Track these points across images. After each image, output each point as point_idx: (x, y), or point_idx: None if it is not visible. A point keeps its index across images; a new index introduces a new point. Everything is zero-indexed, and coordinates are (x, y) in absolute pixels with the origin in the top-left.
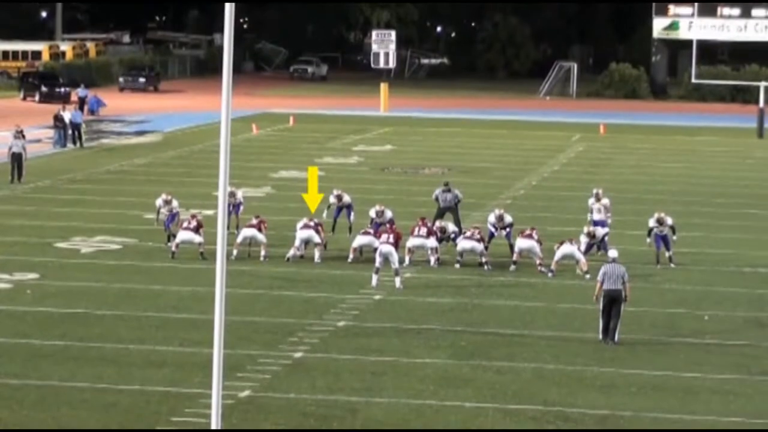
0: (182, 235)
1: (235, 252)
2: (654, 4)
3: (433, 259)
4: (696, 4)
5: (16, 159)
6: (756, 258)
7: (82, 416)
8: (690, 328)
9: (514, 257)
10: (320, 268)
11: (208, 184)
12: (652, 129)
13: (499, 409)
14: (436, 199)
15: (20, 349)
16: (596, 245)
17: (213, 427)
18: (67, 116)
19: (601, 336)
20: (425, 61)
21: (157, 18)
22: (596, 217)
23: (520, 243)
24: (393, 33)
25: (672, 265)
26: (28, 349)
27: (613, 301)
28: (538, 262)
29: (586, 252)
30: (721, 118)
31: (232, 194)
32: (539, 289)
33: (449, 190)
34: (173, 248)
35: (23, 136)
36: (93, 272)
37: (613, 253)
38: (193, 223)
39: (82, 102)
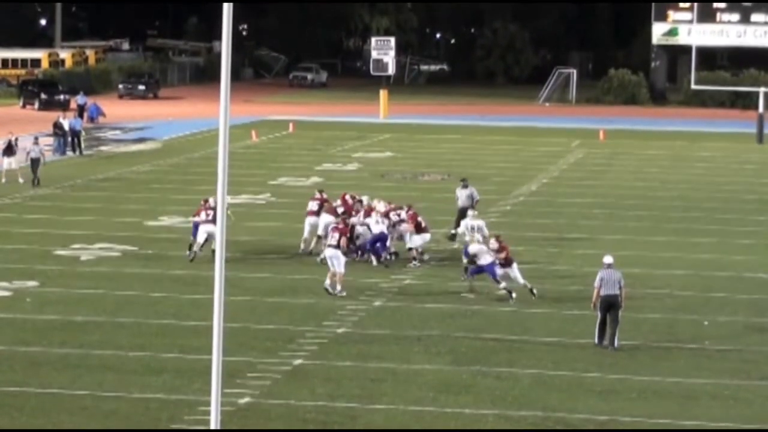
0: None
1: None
2: (653, 9)
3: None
4: (695, 9)
5: (35, 164)
6: (756, 263)
7: (81, 423)
8: (690, 334)
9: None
10: (319, 275)
11: (208, 192)
12: (651, 135)
13: (499, 415)
14: (458, 198)
15: (20, 356)
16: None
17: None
18: (66, 124)
19: (597, 340)
20: (425, 67)
21: (157, 25)
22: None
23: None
24: (392, 39)
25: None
26: (27, 356)
27: (610, 306)
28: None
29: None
30: (720, 123)
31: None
32: (539, 294)
33: (466, 186)
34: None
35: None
36: (93, 279)
37: (608, 258)
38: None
39: (81, 109)
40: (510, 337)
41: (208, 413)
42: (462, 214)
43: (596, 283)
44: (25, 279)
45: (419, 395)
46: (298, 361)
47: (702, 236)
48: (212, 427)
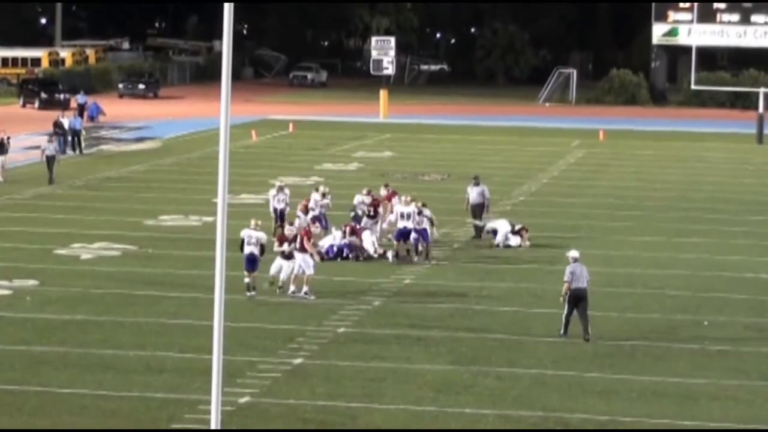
0: None
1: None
2: (653, 10)
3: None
4: (695, 10)
5: (50, 161)
6: (756, 264)
7: (81, 422)
8: (690, 334)
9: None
10: (319, 274)
11: (208, 191)
12: (651, 135)
13: (499, 415)
14: (468, 195)
15: (20, 355)
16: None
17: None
18: (66, 123)
19: (563, 331)
20: (425, 67)
21: (157, 25)
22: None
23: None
24: (392, 39)
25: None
26: (28, 355)
27: (579, 299)
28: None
29: None
30: (720, 124)
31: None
32: (539, 295)
33: (478, 184)
34: None
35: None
36: (92, 279)
37: (574, 253)
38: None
39: (81, 108)
40: (510, 337)
41: (208, 412)
42: (473, 211)
43: (567, 277)
44: (25, 278)
45: (419, 395)
46: (298, 361)
47: (702, 236)
48: (212, 426)
